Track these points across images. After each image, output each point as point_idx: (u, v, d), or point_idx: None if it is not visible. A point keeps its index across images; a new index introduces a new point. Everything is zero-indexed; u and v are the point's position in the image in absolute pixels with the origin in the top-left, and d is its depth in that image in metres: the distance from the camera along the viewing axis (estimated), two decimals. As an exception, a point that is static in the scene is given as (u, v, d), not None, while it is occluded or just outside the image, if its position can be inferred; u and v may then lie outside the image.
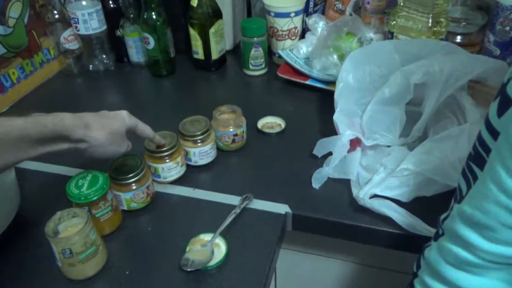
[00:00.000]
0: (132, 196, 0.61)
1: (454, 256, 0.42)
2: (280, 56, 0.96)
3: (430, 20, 0.78)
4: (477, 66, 0.66)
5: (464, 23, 0.86)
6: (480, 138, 0.39)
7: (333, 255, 0.75)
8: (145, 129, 0.61)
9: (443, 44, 0.73)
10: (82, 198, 0.55)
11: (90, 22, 0.94)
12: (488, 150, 0.38)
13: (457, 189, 0.43)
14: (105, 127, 0.53)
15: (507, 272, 0.41)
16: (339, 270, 0.76)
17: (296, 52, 0.96)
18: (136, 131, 0.59)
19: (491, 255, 0.40)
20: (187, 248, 0.56)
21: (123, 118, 0.57)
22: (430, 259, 0.46)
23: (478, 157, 0.39)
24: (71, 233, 0.51)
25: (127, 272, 0.55)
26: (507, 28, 0.80)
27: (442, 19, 0.80)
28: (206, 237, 0.58)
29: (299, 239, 0.73)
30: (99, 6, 0.95)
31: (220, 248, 0.57)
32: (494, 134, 0.37)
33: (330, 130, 0.69)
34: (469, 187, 0.41)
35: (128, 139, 0.58)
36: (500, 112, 0.36)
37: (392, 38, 0.85)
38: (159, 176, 0.67)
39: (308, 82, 0.90)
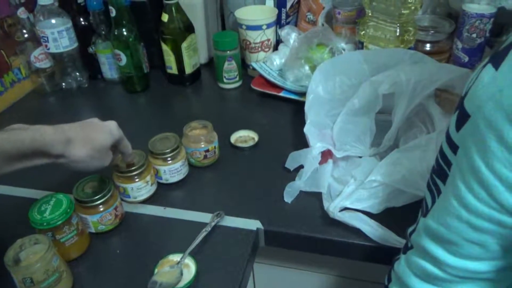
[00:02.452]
0: (100, 219, 0.60)
1: (422, 270, 0.42)
2: (253, 68, 0.96)
3: (398, 30, 0.79)
4: (443, 75, 0.66)
5: (432, 31, 0.87)
6: (441, 152, 0.39)
7: (312, 268, 0.74)
8: (128, 145, 0.59)
9: (411, 53, 0.73)
10: (45, 224, 0.53)
11: (61, 40, 0.93)
12: (449, 164, 0.38)
13: (424, 202, 0.43)
14: (88, 143, 0.51)
15: (473, 285, 0.41)
16: (319, 283, 0.76)
17: (269, 64, 0.96)
18: (119, 145, 0.57)
19: (456, 269, 0.39)
20: (156, 270, 0.55)
21: (110, 130, 0.55)
22: (399, 272, 0.45)
23: (440, 171, 0.39)
24: (32, 261, 0.49)
25: (93, 298, 0.54)
26: (474, 35, 0.81)
27: (410, 28, 0.81)
28: (175, 257, 0.57)
29: (278, 253, 0.73)
30: (70, 24, 0.94)
31: (190, 268, 0.56)
32: (454, 148, 0.37)
33: (304, 142, 0.69)
34: (433, 200, 0.40)
35: None
36: (458, 126, 0.36)
37: (362, 47, 0.86)
38: (128, 196, 0.66)
39: (281, 94, 0.90)
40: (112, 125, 0.56)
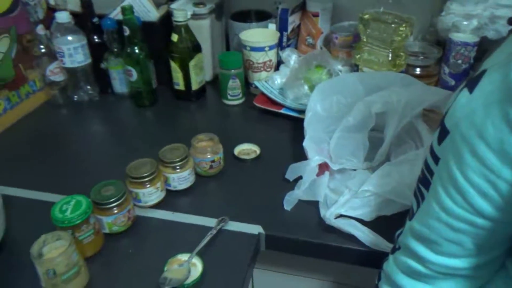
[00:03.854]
0: (114, 220, 0.65)
1: (408, 267, 0.48)
2: (256, 87, 1.02)
3: (390, 55, 0.86)
4: (430, 97, 0.73)
5: (421, 57, 0.94)
6: (426, 163, 0.45)
7: (309, 274, 0.79)
8: None
9: (402, 76, 0.80)
10: (66, 222, 0.58)
11: (75, 55, 0.99)
12: (432, 173, 0.43)
13: (410, 208, 0.48)
14: None
15: (454, 281, 0.46)
16: (314, 289, 0.80)
17: (271, 83, 1.02)
18: None
19: (438, 266, 0.45)
20: (165, 268, 0.60)
21: None
22: (387, 270, 0.51)
23: (425, 180, 0.45)
24: (55, 254, 0.54)
25: (108, 292, 0.58)
26: (459, 61, 0.88)
27: (401, 53, 0.88)
28: (183, 257, 0.62)
29: (276, 259, 0.78)
30: (85, 41, 1.00)
31: (197, 267, 0.60)
32: (436, 159, 0.42)
33: (302, 155, 0.75)
34: (418, 206, 0.46)
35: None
36: (440, 140, 0.42)
37: (357, 70, 0.93)
38: (140, 201, 0.71)
39: (282, 111, 0.96)
40: None
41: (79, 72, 1.02)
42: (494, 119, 0.35)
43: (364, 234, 0.63)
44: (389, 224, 0.64)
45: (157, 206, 0.72)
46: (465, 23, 0.89)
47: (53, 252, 0.56)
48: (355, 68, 0.94)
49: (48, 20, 1.04)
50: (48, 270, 0.53)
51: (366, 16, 0.87)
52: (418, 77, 0.83)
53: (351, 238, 0.64)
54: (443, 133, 0.41)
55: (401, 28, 0.84)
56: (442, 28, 0.96)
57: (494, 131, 0.35)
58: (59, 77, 1.03)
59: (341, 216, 0.66)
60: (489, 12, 0.88)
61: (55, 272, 0.53)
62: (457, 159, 0.39)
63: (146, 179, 0.69)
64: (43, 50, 0.99)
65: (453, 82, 0.91)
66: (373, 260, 0.63)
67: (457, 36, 0.88)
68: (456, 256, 0.43)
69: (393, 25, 0.84)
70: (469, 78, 0.41)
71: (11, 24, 0.94)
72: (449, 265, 0.44)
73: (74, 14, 0.99)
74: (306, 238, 0.66)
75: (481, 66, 0.41)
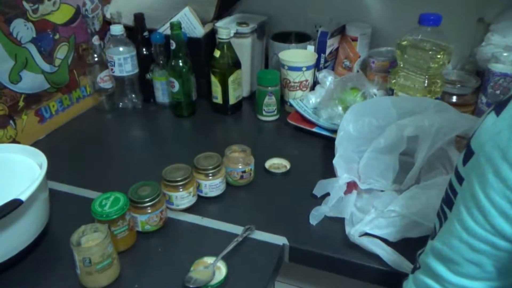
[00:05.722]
0: (147, 219, 0.69)
1: (426, 287, 0.48)
2: (291, 105, 1.05)
3: (426, 81, 0.87)
4: (463, 124, 0.73)
5: (459, 85, 0.94)
6: (450, 184, 0.46)
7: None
8: None
9: (436, 103, 0.80)
10: (104, 216, 0.62)
11: (125, 65, 1.06)
12: (455, 193, 0.44)
13: (433, 227, 0.49)
14: None
15: None
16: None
17: (305, 102, 1.05)
18: None
19: (456, 287, 0.45)
20: (192, 268, 0.63)
21: None
22: None
23: (448, 200, 0.46)
24: (92, 244, 0.58)
25: (136, 286, 0.62)
26: (498, 92, 0.88)
27: (437, 80, 0.88)
28: (209, 260, 0.64)
29: (298, 273, 0.79)
30: (134, 52, 1.07)
31: (221, 270, 0.63)
32: (460, 180, 0.43)
33: (331, 173, 0.76)
34: (440, 225, 0.47)
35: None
36: (465, 161, 0.43)
37: (392, 94, 0.94)
38: (172, 204, 0.74)
39: (314, 129, 0.98)
40: None
41: (127, 81, 1.10)
42: None
43: (387, 254, 0.63)
44: (414, 247, 0.64)
45: (188, 210, 0.75)
46: (505, 54, 0.89)
47: (90, 242, 0.60)
48: (390, 92, 0.95)
49: (103, 31, 1.13)
50: (84, 258, 0.57)
51: (404, 43, 0.89)
52: (454, 105, 0.82)
53: (374, 257, 0.65)
54: (468, 154, 0.42)
55: (438, 56, 0.85)
56: (482, 58, 0.95)
57: None
58: (108, 85, 1.11)
59: (366, 234, 0.67)
60: (531, 44, 0.87)
61: (90, 261, 0.57)
62: (481, 179, 0.40)
63: (180, 183, 0.73)
64: (96, 59, 1.07)
65: (490, 112, 0.90)
66: (395, 280, 0.63)
67: (496, 67, 0.88)
68: (475, 278, 0.44)
69: (430, 52, 0.85)
70: (498, 102, 0.42)
71: (71, 33, 1.03)
72: (467, 287, 0.44)
73: (127, 28, 1.07)
74: (330, 253, 0.67)
75: (511, 90, 0.42)
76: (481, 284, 0.43)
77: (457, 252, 0.43)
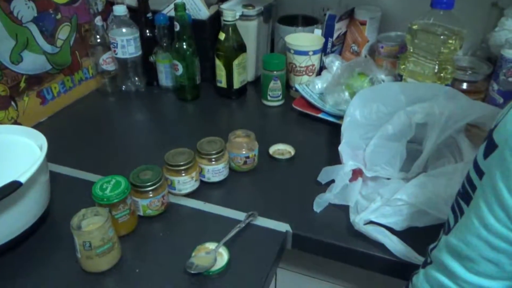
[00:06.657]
0: (149, 203, 0.68)
1: (439, 284, 0.46)
2: (296, 90, 1.03)
3: (437, 67, 0.84)
4: (474, 111, 0.71)
5: (470, 72, 0.92)
6: (468, 177, 0.43)
7: (333, 280, 0.78)
8: None
9: (446, 89, 0.78)
10: (105, 199, 0.61)
11: (128, 47, 1.04)
12: (474, 188, 0.42)
13: (446, 222, 0.47)
14: None
15: None
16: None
17: (311, 87, 1.03)
18: None
19: (471, 286, 0.43)
20: (193, 254, 0.62)
21: None
22: (417, 284, 0.49)
23: (465, 194, 0.43)
24: (92, 228, 0.57)
25: (136, 270, 0.61)
26: (510, 79, 0.85)
27: (448, 66, 0.86)
28: (211, 245, 0.63)
29: (301, 260, 0.78)
30: (137, 34, 1.05)
31: (223, 256, 0.62)
32: (480, 173, 0.41)
33: (336, 160, 0.75)
34: (456, 220, 0.44)
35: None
36: (486, 154, 0.40)
37: (401, 80, 0.91)
38: (174, 188, 0.73)
39: (320, 115, 0.96)
40: None
41: (129, 63, 1.08)
42: None
43: (392, 243, 0.62)
44: (420, 236, 0.63)
45: (190, 195, 0.74)
46: (519, 40, 0.86)
47: (91, 226, 0.59)
48: (399, 78, 0.92)
49: (106, 12, 1.11)
50: (84, 242, 0.56)
51: (415, 27, 0.86)
52: (464, 92, 0.80)
53: (379, 245, 0.63)
54: (491, 147, 0.39)
55: (450, 41, 0.82)
56: (495, 44, 0.93)
57: None
58: (111, 67, 1.09)
59: (371, 222, 0.66)
60: (547, 30, 0.84)
61: (91, 245, 0.56)
62: (505, 174, 0.37)
63: (182, 167, 0.71)
64: (98, 40, 1.05)
65: (501, 100, 0.88)
66: (400, 270, 0.63)
67: (510, 53, 0.85)
68: (492, 278, 0.42)
69: (442, 37, 0.82)
70: None
71: (73, 13, 1.01)
72: (484, 286, 0.42)
73: (130, 9, 1.04)
74: (333, 241, 0.66)
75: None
76: (498, 283, 0.42)
77: (474, 250, 0.42)
